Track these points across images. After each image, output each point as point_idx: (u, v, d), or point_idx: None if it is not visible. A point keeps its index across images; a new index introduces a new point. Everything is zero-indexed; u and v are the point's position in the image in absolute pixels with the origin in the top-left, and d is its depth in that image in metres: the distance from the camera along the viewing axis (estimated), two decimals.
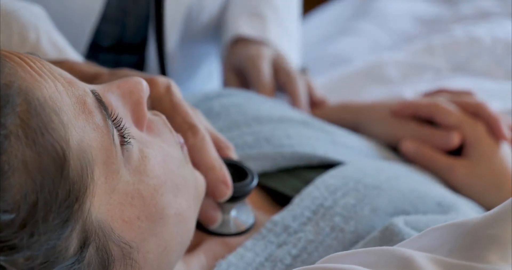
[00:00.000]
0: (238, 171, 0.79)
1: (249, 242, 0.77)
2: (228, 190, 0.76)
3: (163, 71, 1.09)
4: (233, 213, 0.79)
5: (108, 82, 0.68)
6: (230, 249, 0.78)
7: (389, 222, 0.76)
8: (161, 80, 0.81)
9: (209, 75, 1.39)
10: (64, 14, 1.00)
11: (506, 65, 1.35)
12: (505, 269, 0.57)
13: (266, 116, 0.93)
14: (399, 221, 0.76)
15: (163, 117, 0.72)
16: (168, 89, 0.80)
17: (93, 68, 0.90)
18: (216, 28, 1.32)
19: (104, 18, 1.17)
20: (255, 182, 0.79)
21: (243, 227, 0.79)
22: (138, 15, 1.20)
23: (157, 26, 1.00)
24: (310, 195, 0.81)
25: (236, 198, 0.77)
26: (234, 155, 0.82)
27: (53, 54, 0.94)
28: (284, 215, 0.79)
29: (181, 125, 0.77)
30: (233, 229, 0.78)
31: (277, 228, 0.78)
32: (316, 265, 0.63)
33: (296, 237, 0.77)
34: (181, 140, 0.73)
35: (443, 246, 0.61)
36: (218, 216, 0.77)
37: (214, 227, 0.78)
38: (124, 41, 1.22)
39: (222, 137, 0.82)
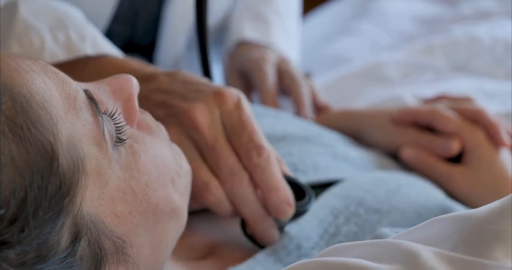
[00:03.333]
0: (294, 187, 0.80)
1: (260, 255, 0.77)
2: (291, 210, 0.77)
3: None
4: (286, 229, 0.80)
5: (99, 80, 0.68)
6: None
7: (378, 232, 0.77)
8: (231, 93, 0.80)
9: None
10: None
11: (506, 65, 1.35)
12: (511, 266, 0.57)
13: (268, 135, 0.93)
14: (386, 230, 0.77)
15: (148, 114, 0.72)
16: (238, 104, 0.80)
17: (148, 68, 0.88)
18: (219, 33, 1.32)
19: (116, 19, 1.17)
20: (313, 201, 0.80)
21: None
22: (148, 16, 1.20)
23: (200, 33, 0.98)
24: (317, 216, 0.82)
25: (294, 216, 0.79)
26: (287, 170, 0.82)
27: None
28: (300, 232, 0.79)
29: (247, 144, 0.78)
30: None
31: (291, 245, 0.78)
32: (318, 258, 0.62)
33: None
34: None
35: (446, 239, 0.60)
36: (277, 234, 0.79)
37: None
38: (134, 42, 1.22)
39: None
